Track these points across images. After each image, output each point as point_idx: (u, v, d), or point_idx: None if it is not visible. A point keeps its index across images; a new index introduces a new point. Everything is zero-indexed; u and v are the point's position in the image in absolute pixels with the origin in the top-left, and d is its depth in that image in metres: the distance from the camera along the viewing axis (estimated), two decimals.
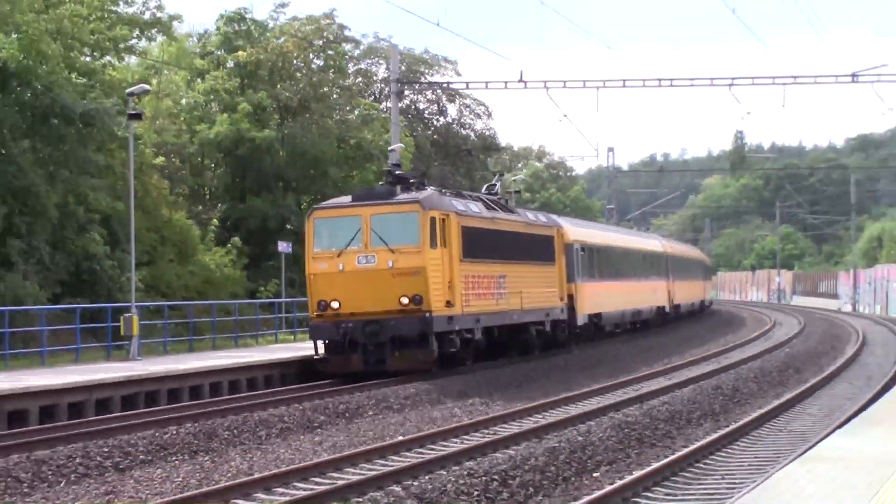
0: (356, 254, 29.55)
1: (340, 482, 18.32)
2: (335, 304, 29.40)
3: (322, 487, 17.76)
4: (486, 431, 25.70)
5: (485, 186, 44.08)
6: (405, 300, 28.40)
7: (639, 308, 57.13)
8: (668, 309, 64.40)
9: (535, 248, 39.46)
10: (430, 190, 32.27)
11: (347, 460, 20.68)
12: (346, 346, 29.39)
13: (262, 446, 23.42)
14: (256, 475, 19.38)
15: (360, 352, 29.48)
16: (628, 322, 55.96)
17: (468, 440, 24.19)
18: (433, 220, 29.49)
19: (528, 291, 37.48)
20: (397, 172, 35.32)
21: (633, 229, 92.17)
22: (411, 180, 32.91)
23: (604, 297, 48.80)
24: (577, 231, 45.58)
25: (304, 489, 18.05)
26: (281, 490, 18.18)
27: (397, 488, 17.60)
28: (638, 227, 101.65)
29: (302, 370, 35.30)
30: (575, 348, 43.39)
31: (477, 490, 17.41)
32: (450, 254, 30.61)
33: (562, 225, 43.39)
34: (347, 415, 26.76)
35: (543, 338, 40.62)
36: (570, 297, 42.42)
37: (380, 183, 33.49)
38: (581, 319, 43.41)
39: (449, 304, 30.25)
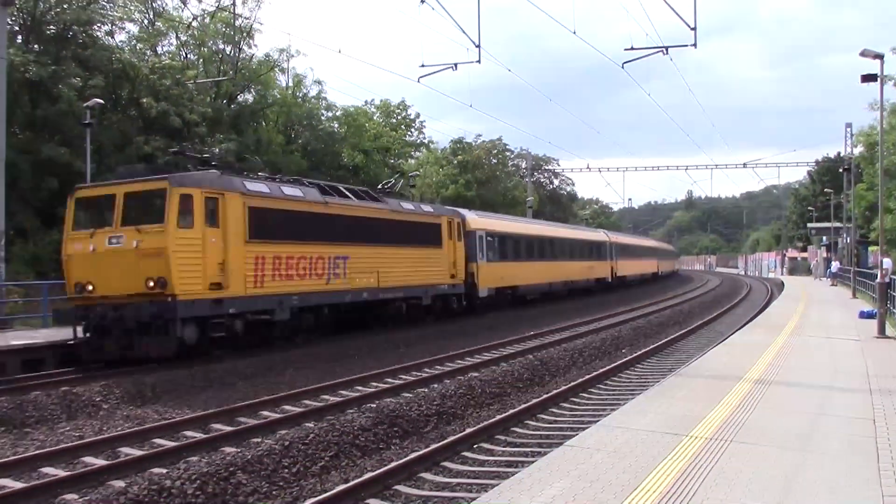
0: (107, 234, 15.47)
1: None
2: (90, 287, 15.54)
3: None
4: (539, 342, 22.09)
5: (381, 184, 27.76)
6: (151, 283, 14.88)
7: (572, 280, 38.64)
8: (610, 279, 46.06)
9: (410, 233, 23.14)
10: (207, 170, 17.57)
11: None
12: (97, 332, 15.49)
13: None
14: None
15: (110, 338, 15.29)
16: (562, 290, 37.78)
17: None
18: (186, 197, 15.49)
19: (390, 271, 21.71)
20: (187, 153, 20.25)
21: (622, 231, 77.67)
22: (205, 156, 18.80)
23: (518, 274, 31.46)
24: (482, 221, 29.43)
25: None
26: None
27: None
28: (646, 236, 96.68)
29: None
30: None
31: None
32: (223, 234, 16.10)
33: (464, 216, 27.88)
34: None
35: (425, 310, 24.11)
36: (472, 274, 26.97)
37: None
38: (483, 292, 27.75)
39: (217, 286, 15.82)
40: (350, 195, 20.94)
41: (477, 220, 28.75)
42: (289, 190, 18.57)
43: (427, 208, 25.46)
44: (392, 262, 21.93)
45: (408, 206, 24.04)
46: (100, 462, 8.77)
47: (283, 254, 17.70)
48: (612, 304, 35.18)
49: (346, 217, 20.18)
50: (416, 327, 22.50)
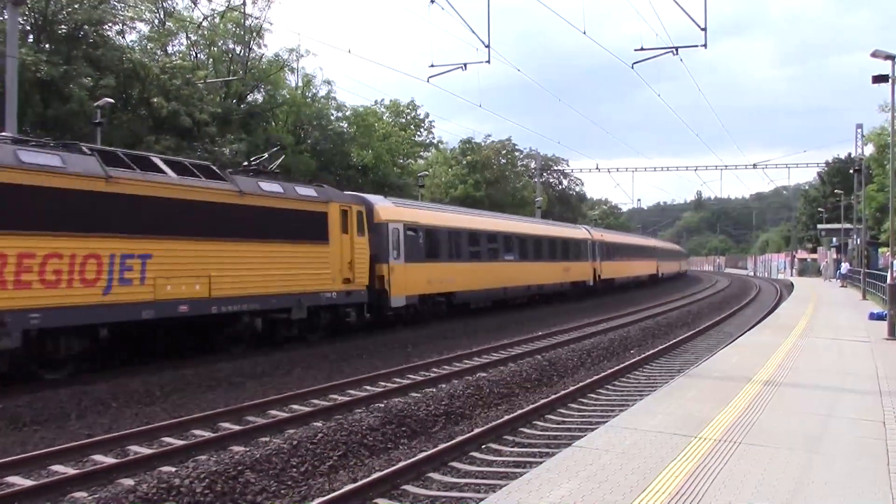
0: None
1: None
2: None
3: None
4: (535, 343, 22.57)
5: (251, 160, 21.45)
6: None
7: (538, 283, 32.16)
8: (591, 283, 39.49)
9: (272, 224, 16.60)
10: None
11: None
12: None
13: None
14: None
15: None
16: (524, 296, 31.96)
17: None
18: None
19: (231, 275, 15.37)
20: None
21: (613, 229, 71.79)
22: None
23: (455, 277, 24.94)
24: (398, 211, 22.74)
25: None
26: None
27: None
28: (653, 236, 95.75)
29: None
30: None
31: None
32: None
33: (371, 203, 21.42)
34: None
35: (307, 325, 18.04)
36: (381, 278, 20.97)
37: None
38: (397, 301, 21.47)
39: None
40: (168, 170, 14.72)
41: (389, 210, 22.45)
42: (29, 157, 12.14)
43: (305, 191, 18.36)
44: (234, 263, 15.73)
45: (271, 187, 17.26)
46: (109, 460, 8.79)
47: (9, 251, 11.60)
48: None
49: (149, 199, 13.91)
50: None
